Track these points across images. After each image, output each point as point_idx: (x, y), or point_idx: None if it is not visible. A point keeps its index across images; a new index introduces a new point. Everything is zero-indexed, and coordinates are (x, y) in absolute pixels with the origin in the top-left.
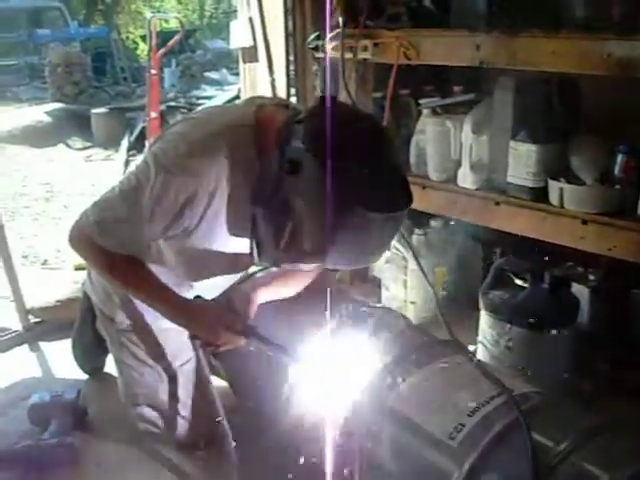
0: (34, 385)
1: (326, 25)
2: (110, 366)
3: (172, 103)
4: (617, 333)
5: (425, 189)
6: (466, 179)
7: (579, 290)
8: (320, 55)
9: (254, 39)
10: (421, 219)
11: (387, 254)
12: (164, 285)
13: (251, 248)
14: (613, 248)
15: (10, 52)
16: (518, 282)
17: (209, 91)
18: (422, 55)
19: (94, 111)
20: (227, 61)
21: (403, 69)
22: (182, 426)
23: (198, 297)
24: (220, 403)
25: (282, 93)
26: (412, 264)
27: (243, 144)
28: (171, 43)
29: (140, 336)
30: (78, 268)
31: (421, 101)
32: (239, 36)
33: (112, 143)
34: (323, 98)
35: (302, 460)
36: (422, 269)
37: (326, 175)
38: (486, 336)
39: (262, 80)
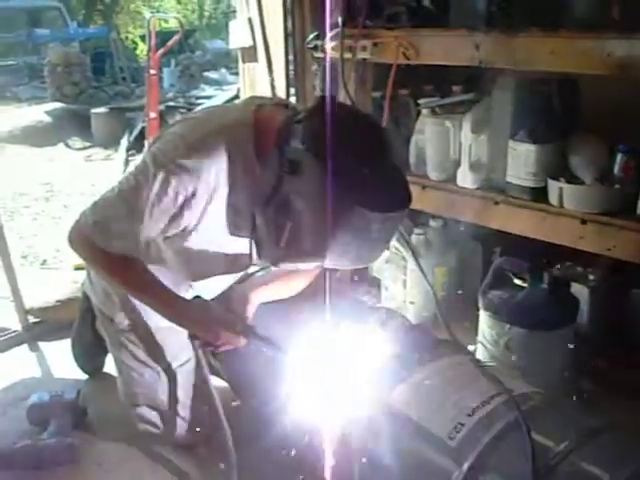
0: (33, 385)
1: (325, 25)
2: (110, 366)
3: (171, 103)
4: (617, 333)
5: (424, 189)
6: (465, 179)
7: (578, 290)
8: (319, 55)
9: (253, 39)
10: (420, 219)
11: (387, 254)
12: (163, 285)
13: (250, 248)
14: (612, 248)
15: (9, 52)
16: (517, 282)
17: (208, 91)
18: (421, 55)
19: (94, 111)
20: (226, 61)
21: (402, 69)
22: (181, 426)
23: (197, 297)
24: (220, 403)
25: (281, 93)
26: (411, 264)
27: (242, 144)
28: (170, 43)
29: (139, 336)
30: (77, 268)
31: (420, 101)
32: (238, 36)
33: (112, 143)
34: (322, 98)
35: (303, 461)
36: (421, 269)
37: (325, 175)
38: (485, 336)
39: (261, 80)
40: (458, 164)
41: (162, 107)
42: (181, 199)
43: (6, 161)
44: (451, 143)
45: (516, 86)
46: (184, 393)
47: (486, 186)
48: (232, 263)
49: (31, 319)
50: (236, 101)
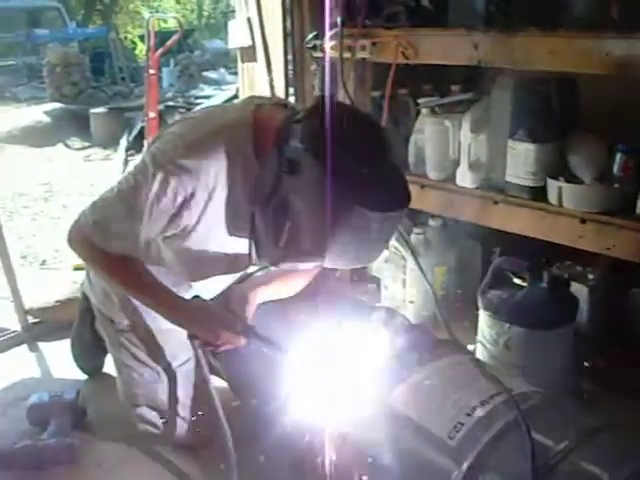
0: (33, 385)
1: (324, 25)
2: (109, 366)
3: (170, 103)
4: (616, 332)
5: (424, 188)
6: (465, 178)
7: (578, 289)
8: (318, 55)
9: (252, 39)
10: (420, 218)
11: (386, 253)
12: (163, 285)
13: (250, 248)
14: (612, 247)
15: (8, 52)
16: (517, 281)
17: (207, 91)
18: (420, 54)
19: (93, 111)
20: (225, 61)
21: (401, 68)
22: (181, 426)
23: (197, 297)
24: (220, 403)
25: (280, 93)
26: (411, 263)
27: (241, 144)
28: (169, 43)
29: (139, 336)
30: (77, 268)
31: (419, 100)
32: (237, 36)
33: (111, 143)
34: (322, 97)
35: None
36: (421, 268)
37: (325, 175)
38: (485, 335)
39: (260, 80)
40: (457, 163)
41: (161, 107)
42: (180, 199)
43: (5, 161)
44: (450, 142)
45: (515, 85)
46: (184, 393)
47: (485, 185)
48: (231, 263)
49: (30, 319)
50: (235, 101)
